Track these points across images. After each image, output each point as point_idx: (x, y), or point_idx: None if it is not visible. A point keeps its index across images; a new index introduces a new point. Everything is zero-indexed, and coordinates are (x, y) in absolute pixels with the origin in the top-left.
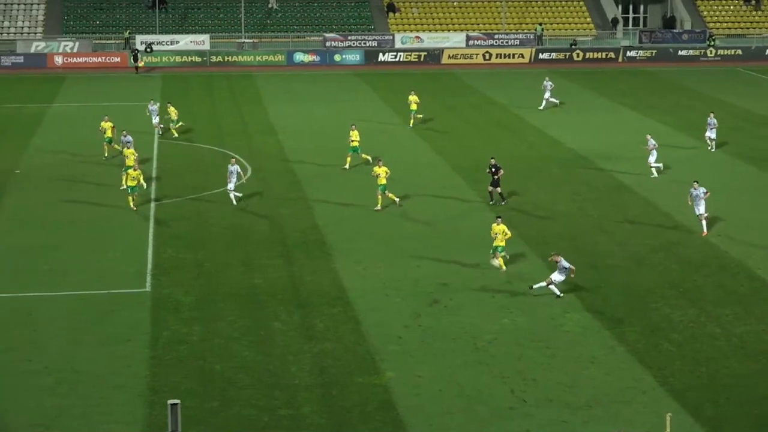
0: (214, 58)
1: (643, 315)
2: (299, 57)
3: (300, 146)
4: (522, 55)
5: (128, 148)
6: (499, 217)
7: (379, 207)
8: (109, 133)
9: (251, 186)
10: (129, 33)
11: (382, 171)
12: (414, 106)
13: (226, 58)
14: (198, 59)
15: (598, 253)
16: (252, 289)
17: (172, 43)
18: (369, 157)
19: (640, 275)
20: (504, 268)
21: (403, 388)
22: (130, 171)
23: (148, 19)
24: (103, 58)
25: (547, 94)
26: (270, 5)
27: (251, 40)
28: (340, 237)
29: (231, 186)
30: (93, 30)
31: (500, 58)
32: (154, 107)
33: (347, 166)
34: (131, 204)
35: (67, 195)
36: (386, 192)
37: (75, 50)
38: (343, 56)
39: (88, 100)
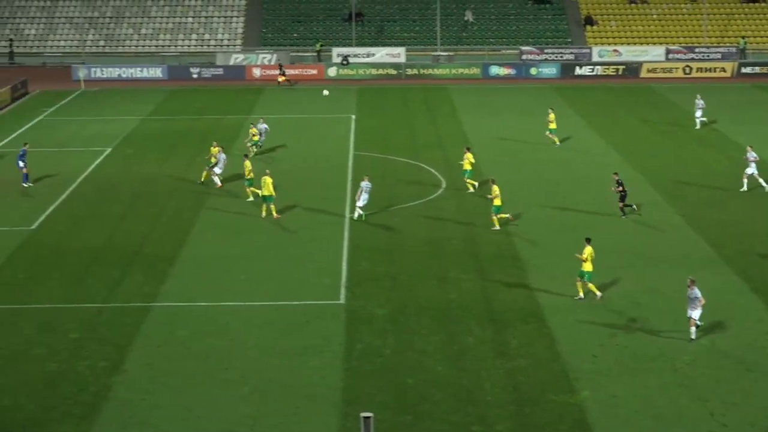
0: (409, 71)
1: None
2: (495, 70)
3: (494, 158)
4: (724, 69)
5: (246, 160)
6: (589, 239)
7: (497, 227)
8: (213, 159)
9: (445, 198)
10: (321, 45)
11: (495, 191)
12: (553, 125)
13: (421, 71)
14: (393, 72)
15: None
16: (446, 303)
17: (368, 55)
18: (476, 183)
19: None
20: (581, 295)
21: (598, 408)
22: (266, 179)
23: (345, 31)
24: (300, 70)
25: (698, 113)
26: (466, 18)
27: (447, 53)
28: (534, 252)
29: (360, 203)
30: (290, 42)
31: (701, 72)
32: (262, 126)
33: (472, 189)
34: (265, 212)
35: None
36: (499, 213)
37: (273, 62)
38: (539, 69)
39: (285, 112)
